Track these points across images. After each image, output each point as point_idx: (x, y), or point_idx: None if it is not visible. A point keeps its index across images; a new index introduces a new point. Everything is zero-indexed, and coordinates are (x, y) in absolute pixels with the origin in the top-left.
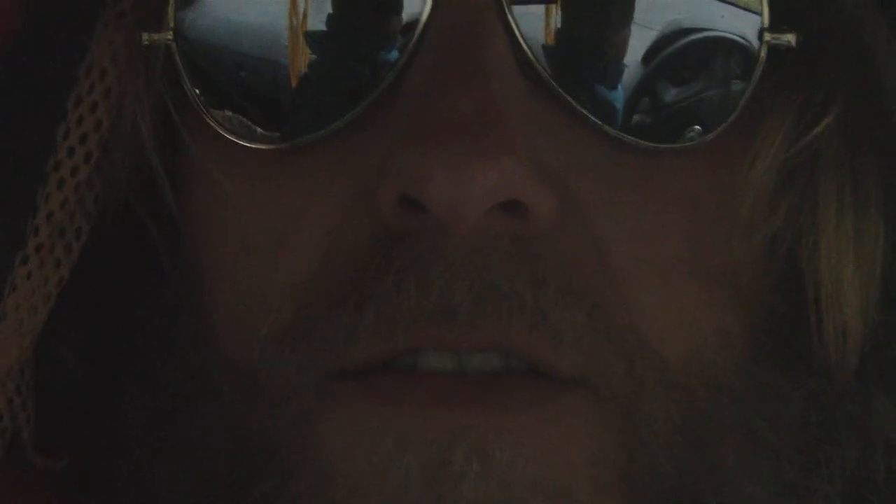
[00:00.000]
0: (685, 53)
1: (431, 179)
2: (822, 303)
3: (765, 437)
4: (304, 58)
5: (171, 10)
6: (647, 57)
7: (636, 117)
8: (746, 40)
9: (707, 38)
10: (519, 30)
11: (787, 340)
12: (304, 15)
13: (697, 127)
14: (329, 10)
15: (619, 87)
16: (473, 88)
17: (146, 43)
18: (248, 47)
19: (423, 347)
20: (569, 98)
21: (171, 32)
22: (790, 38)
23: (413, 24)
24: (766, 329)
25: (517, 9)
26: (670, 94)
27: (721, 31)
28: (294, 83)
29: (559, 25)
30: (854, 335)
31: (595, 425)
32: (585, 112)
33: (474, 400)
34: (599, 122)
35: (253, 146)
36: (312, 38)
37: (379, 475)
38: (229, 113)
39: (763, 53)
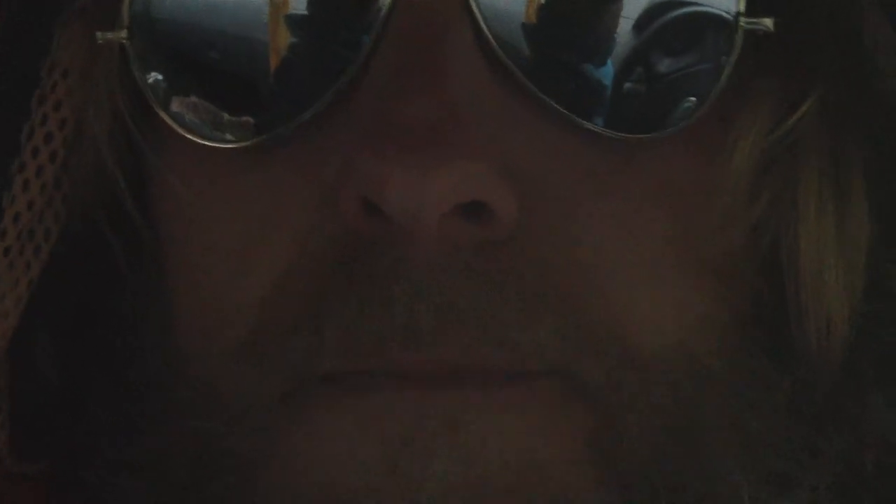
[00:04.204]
0: (661, 39)
1: (388, 184)
2: (802, 294)
3: (750, 426)
4: (284, 40)
5: (125, 7)
6: (622, 44)
7: (612, 107)
8: (724, 23)
9: (685, 19)
10: (483, 18)
11: (774, 327)
12: None
13: (678, 110)
14: None
15: (593, 77)
16: (432, 88)
17: (101, 42)
18: (223, 25)
19: (388, 373)
20: (539, 92)
21: (125, 31)
22: (768, 23)
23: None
24: (752, 316)
25: None
26: (646, 81)
27: (699, 10)
28: (272, 67)
29: (531, 18)
30: (838, 327)
31: (570, 409)
32: (557, 106)
33: (443, 383)
34: (573, 116)
35: (215, 145)
36: (291, 20)
37: (339, 464)
38: (195, 99)
39: (739, 38)
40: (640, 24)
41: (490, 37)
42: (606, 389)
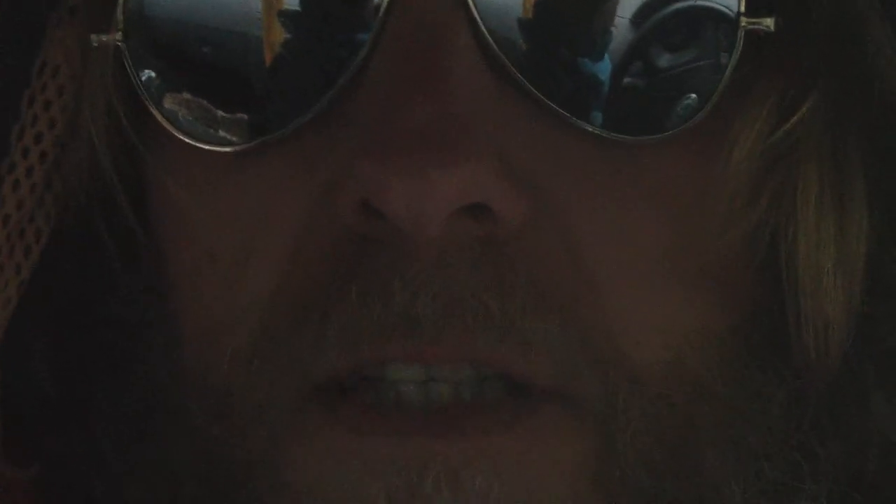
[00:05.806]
0: (660, 38)
1: (390, 190)
2: (801, 299)
3: (747, 439)
4: (279, 39)
5: (119, 10)
6: (621, 42)
7: (612, 108)
8: (725, 23)
9: (686, 18)
10: (483, 22)
11: (771, 337)
12: None
13: (678, 111)
14: None
15: (594, 78)
16: (434, 92)
17: (95, 45)
18: (218, 23)
19: (390, 360)
20: (540, 94)
21: (120, 33)
22: (769, 23)
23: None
24: (748, 326)
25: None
26: (646, 82)
27: (700, 9)
28: (268, 66)
29: (528, 14)
30: (837, 332)
31: (571, 438)
32: (558, 108)
33: (446, 429)
34: (574, 118)
35: (212, 148)
36: (286, 17)
37: (344, 501)
38: (190, 99)
39: (740, 39)
40: (639, 22)
41: (489, 37)
42: (604, 406)
